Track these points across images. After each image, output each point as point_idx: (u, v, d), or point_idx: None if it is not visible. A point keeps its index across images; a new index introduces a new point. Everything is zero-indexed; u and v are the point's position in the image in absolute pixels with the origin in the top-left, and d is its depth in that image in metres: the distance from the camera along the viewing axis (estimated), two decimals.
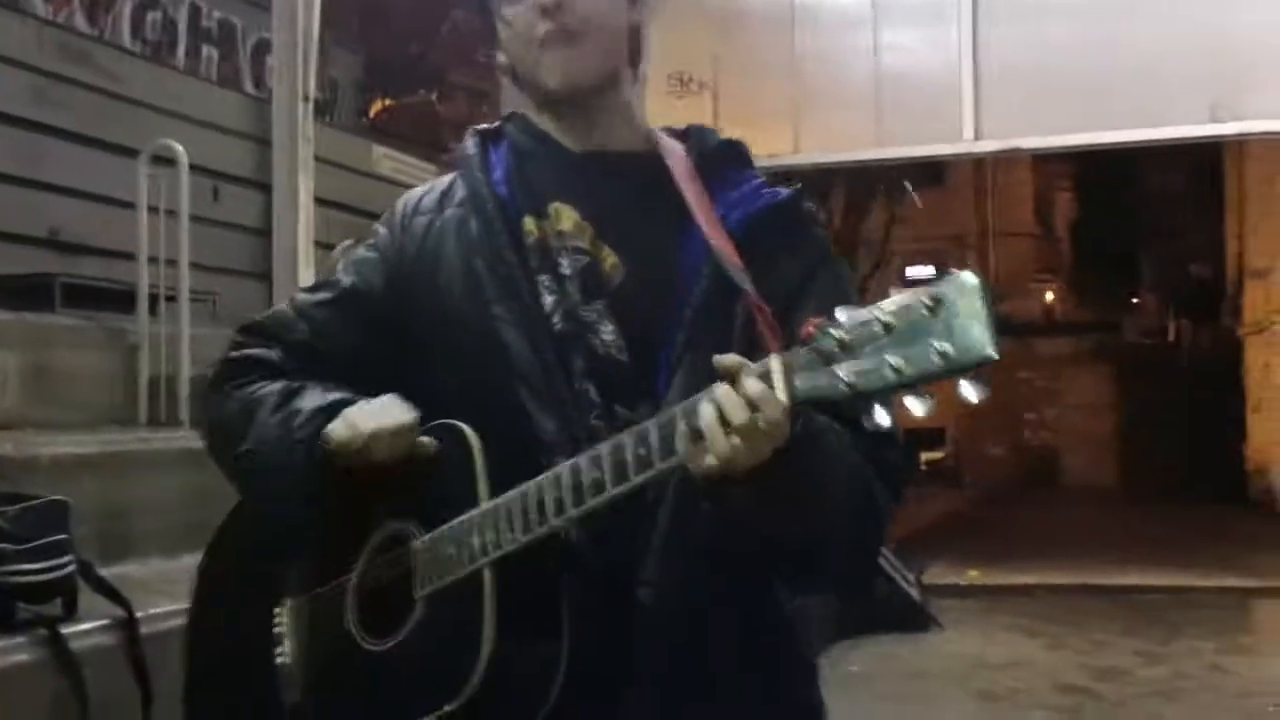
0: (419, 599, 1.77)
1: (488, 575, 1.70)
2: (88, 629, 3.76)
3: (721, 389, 1.54)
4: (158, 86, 8.94)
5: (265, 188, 9.53)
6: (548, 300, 1.84)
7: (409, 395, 1.84)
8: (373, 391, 1.85)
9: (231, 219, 9.17)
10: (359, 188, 10.76)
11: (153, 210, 6.64)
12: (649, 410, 1.70)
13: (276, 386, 1.90)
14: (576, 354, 1.82)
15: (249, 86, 11.90)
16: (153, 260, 6.65)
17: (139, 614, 3.87)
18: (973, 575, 10.73)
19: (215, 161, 8.71)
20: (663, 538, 1.75)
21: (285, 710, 1.92)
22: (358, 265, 1.99)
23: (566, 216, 1.87)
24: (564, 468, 1.66)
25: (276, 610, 1.96)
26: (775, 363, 1.52)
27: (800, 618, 1.93)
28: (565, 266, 1.85)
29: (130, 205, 6.81)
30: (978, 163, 8.81)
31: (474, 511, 1.73)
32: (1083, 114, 9.04)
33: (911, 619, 9.51)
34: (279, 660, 1.93)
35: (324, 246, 8.98)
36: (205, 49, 12.01)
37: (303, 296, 2.03)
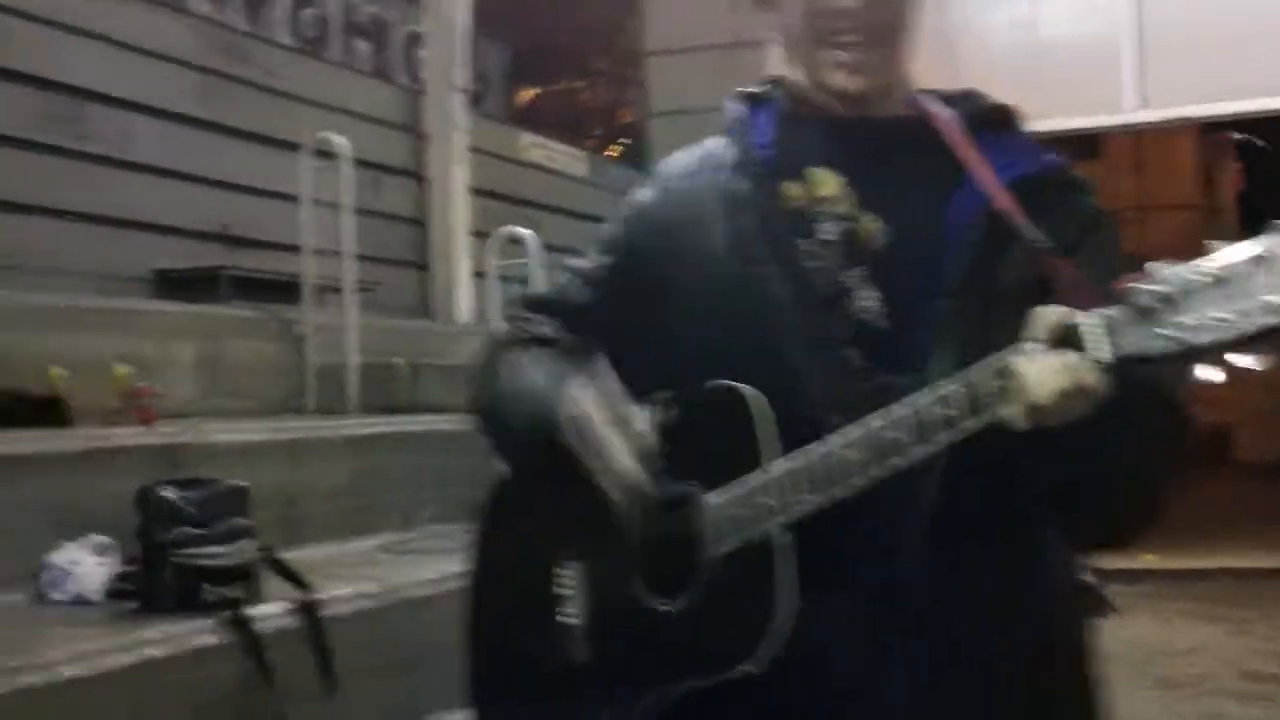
0: (707, 559, 1.77)
1: (781, 536, 1.70)
2: (271, 611, 3.85)
3: (1039, 352, 1.52)
4: (314, 81, 9.14)
5: (420, 178, 9.68)
6: (810, 265, 1.81)
7: (676, 353, 1.87)
8: (645, 356, 1.90)
9: (389, 210, 9.31)
10: (510, 175, 10.88)
11: (315, 202, 6.76)
12: (911, 375, 1.69)
13: (540, 356, 1.95)
14: (839, 319, 1.79)
15: (402, 79, 12.07)
16: (316, 251, 6.78)
17: (318, 596, 3.96)
18: (1149, 559, 10.48)
19: (372, 154, 8.83)
20: (932, 502, 1.72)
21: (573, 669, 1.93)
22: (629, 225, 2.00)
23: (828, 181, 1.85)
24: (857, 428, 1.65)
25: (558, 571, 1.97)
26: (1095, 319, 1.50)
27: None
28: (826, 231, 1.82)
29: (293, 198, 6.95)
30: (1138, 133, 8.60)
31: (762, 473, 1.72)
32: (1251, 79, 8.77)
33: (1087, 604, 9.32)
34: (564, 620, 1.94)
35: (479, 235, 9.10)
36: (359, 43, 12.22)
37: (581, 262, 2.06)
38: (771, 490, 1.70)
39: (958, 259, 1.78)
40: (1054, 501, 1.72)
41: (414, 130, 9.74)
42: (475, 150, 9.94)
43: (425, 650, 4.28)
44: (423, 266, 9.67)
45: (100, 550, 3.95)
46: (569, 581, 1.95)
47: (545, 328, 2.01)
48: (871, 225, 1.82)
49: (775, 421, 1.73)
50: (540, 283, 6.20)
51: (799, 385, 1.76)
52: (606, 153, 15.84)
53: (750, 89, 2.00)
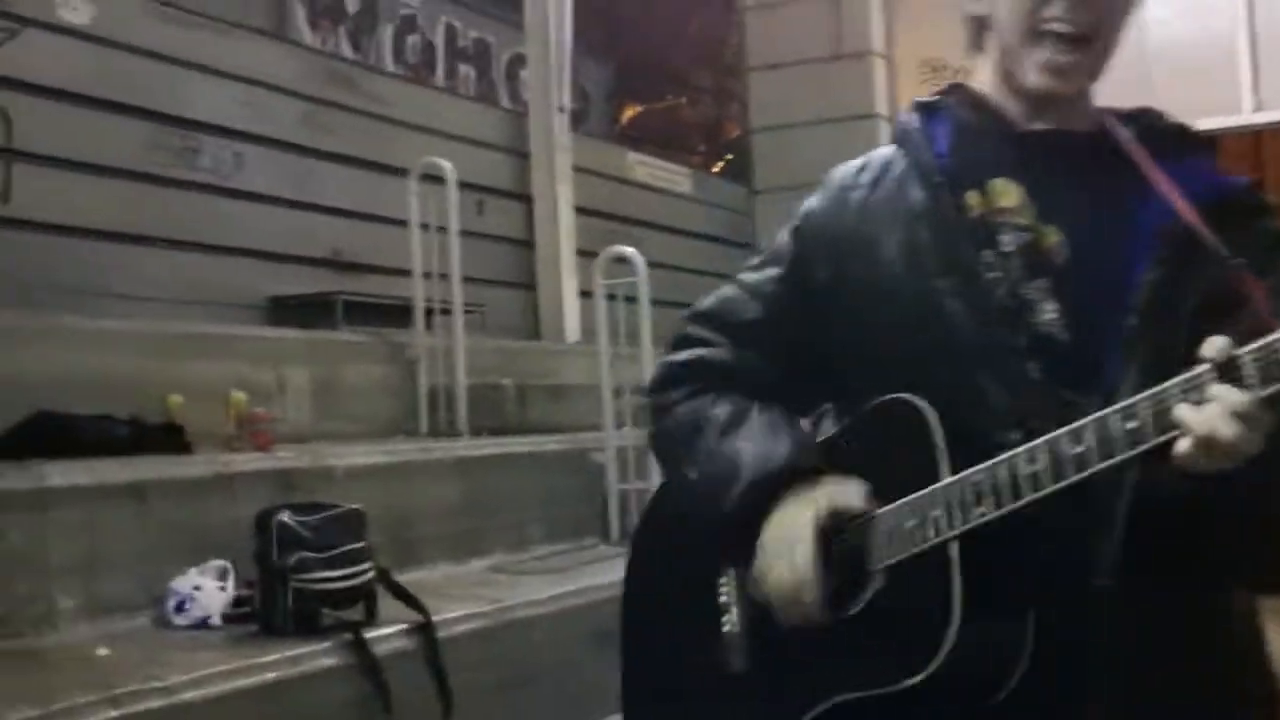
0: (877, 570, 1.76)
1: (954, 549, 1.67)
2: (388, 633, 3.89)
3: (1216, 386, 1.47)
4: (420, 106, 9.24)
5: (526, 199, 9.74)
6: (990, 276, 1.79)
7: (845, 366, 1.89)
8: (815, 374, 1.93)
9: (495, 231, 9.39)
10: (615, 194, 10.91)
11: (423, 226, 6.83)
12: (1094, 392, 1.67)
13: (724, 410, 1.94)
14: (1019, 332, 1.77)
15: (505, 101, 12.19)
16: (425, 274, 6.84)
17: (434, 618, 4.00)
18: None
19: (477, 176, 8.91)
20: (1124, 523, 1.68)
21: (731, 677, 1.93)
22: (800, 237, 1.98)
23: (1009, 192, 1.82)
24: (1039, 444, 1.61)
25: (721, 579, 1.96)
26: (1259, 351, 1.45)
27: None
28: (1006, 243, 1.80)
29: (400, 223, 7.02)
30: (1255, 134, 8.44)
31: (937, 485, 1.69)
32: None
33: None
34: (725, 629, 1.94)
35: (585, 254, 9.14)
36: (462, 67, 12.36)
37: (750, 275, 2.03)
38: (944, 503, 1.68)
39: (1146, 275, 1.74)
40: (1233, 535, 1.68)
41: (518, 151, 9.80)
42: (579, 169, 9.98)
43: (539, 669, 4.31)
44: (530, 287, 9.73)
45: (220, 575, 4.03)
46: (729, 589, 1.95)
47: (719, 349, 2.00)
48: (1053, 238, 1.80)
49: (950, 434, 1.71)
50: (646, 301, 6.20)
51: (978, 399, 1.75)
52: (711, 168, 15.83)
53: (925, 99, 1.98)
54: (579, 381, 7.45)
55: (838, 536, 1.80)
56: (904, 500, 1.73)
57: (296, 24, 10.43)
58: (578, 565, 5.29)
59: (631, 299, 6.23)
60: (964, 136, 1.89)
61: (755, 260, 2.05)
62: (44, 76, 6.45)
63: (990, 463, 1.64)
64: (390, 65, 11.30)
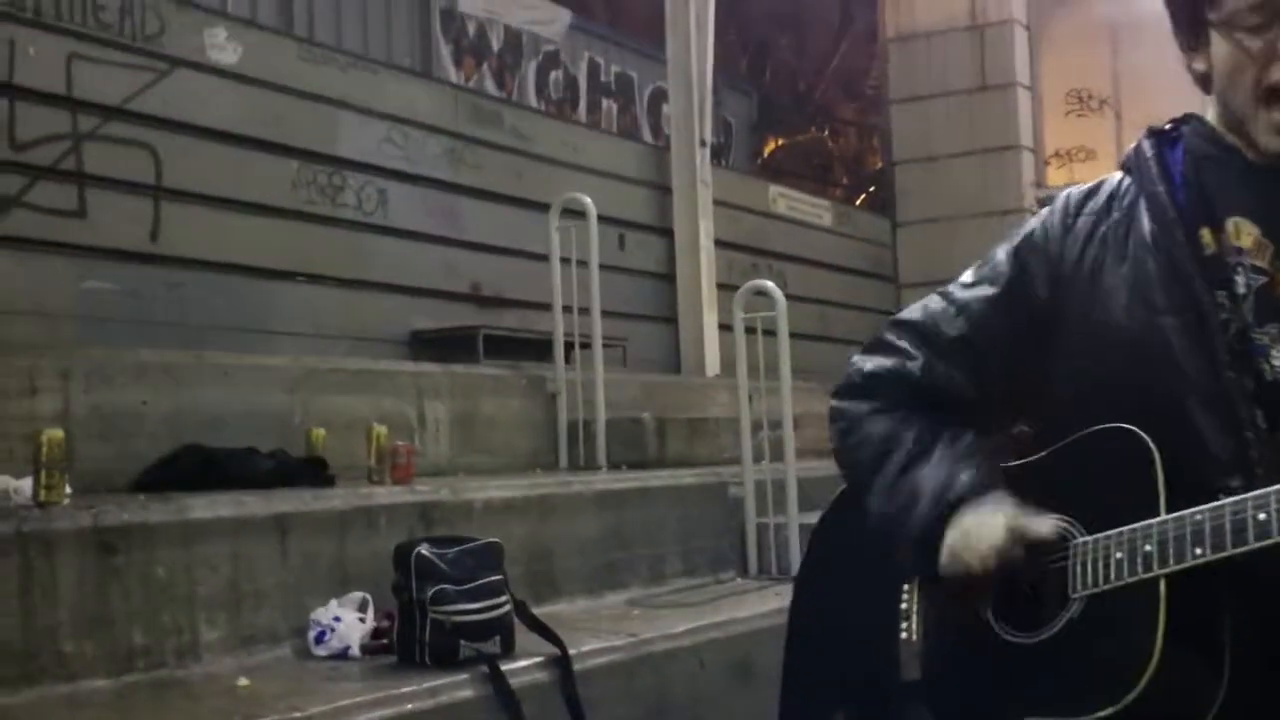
0: (1077, 597, 1.74)
1: (1163, 587, 1.64)
2: (525, 665, 3.88)
3: None
4: (562, 141, 9.30)
5: (667, 233, 9.75)
6: (1221, 318, 1.74)
7: (1048, 393, 1.88)
8: (1010, 394, 1.94)
9: (636, 265, 9.42)
10: (757, 227, 10.89)
11: (564, 261, 6.87)
12: None
13: (910, 436, 1.93)
14: (1246, 376, 1.72)
15: (647, 135, 12.24)
16: (565, 309, 6.87)
17: (571, 651, 3.98)
18: None
19: (619, 210, 8.96)
20: None
21: (901, 685, 1.93)
22: (1018, 257, 1.95)
23: (1246, 232, 1.77)
24: (1270, 492, 1.57)
25: (905, 586, 1.97)
26: None
27: None
28: (1240, 285, 1.75)
29: (541, 257, 7.07)
30: None
31: (1153, 520, 1.67)
32: None
33: None
34: (903, 636, 1.95)
35: (726, 288, 9.12)
36: (605, 102, 12.44)
37: (960, 291, 2.00)
38: (1159, 539, 1.65)
39: None
40: None
41: (660, 185, 9.82)
42: (720, 203, 9.97)
43: (675, 704, 4.28)
44: (670, 320, 9.73)
45: (360, 606, 4.05)
46: (911, 596, 1.96)
47: (913, 363, 1.98)
48: None
49: (1168, 471, 1.68)
50: (785, 335, 6.15)
51: (1197, 441, 1.72)
52: (853, 201, 15.75)
53: (1161, 125, 1.93)
54: (718, 415, 7.43)
55: (1031, 564, 1.78)
56: (1112, 531, 1.71)
57: (442, 62, 10.58)
58: (715, 599, 5.24)
59: (771, 332, 6.18)
60: (1200, 170, 1.84)
61: (968, 277, 2.01)
62: (193, 115, 6.61)
63: (1214, 505, 1.61)
64: (534, 101, 11.41)
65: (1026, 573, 1.77)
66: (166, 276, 6.42)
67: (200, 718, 3.19)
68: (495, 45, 11.28)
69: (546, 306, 6.94)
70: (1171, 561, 1.63)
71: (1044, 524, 1.77)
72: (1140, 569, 1.66)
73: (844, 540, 2.13)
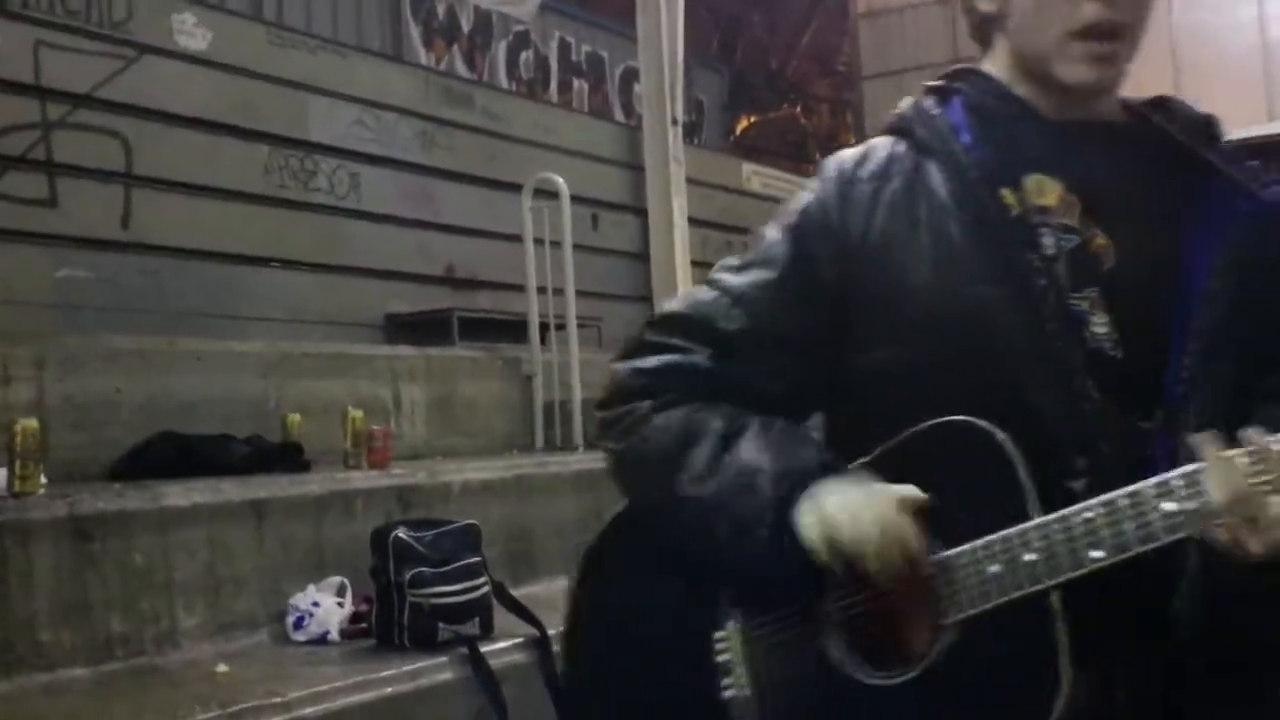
0: (948, 624, 1.51)
1: (1056, 601, 1.45)
2: (504, 647, 3.89)
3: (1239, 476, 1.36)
4: (534, 122, 9.29)
5: (640, 212, 9.74)
6: (1039, 283, 1.58)
7: (850, 381, 1.68)
8: (809, 386, 1.72)
9: (610, 245, 9.42)
10: (730, 205, 10.88)
11: (537, 242, 6.86)
12: (1156, 413, 1.54)
13: (716, 421, 1.68)
14: (1074, 346, 1.57)
15: (619, 115, 12.21)
16: (540, 290, 6.87)
17: (550, 632, 3.99)
18: None
19: (591, 190, 8.95)
20: (1197, 567, 1.49)
21: None
22: (795, 237, 1.74)
23: (1049, 190, 1.63)
24: (1176, 476, 1.41)
25: (717, 635, 1.71)
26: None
27: None
28: (1049, 246, 1.60)
29: (515, 238, 7.06)
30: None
31: (1028, 524, 1.47)
32: None
33: None
34: (729, 693, 1.69)
35: (700, 265, 9.11)
36: (576, 82, 12.41)
37: (733, 278, 1.77)
38: (1042, 546, 1.45)
39: (1202, 287, 1.57)
40: None
41: (632, 165, 9.81)
42: (693, 181, 9.96)
43: None
44: (645, 300, 9.72)
45: (338, 591, 4.06)
46: (730, 645, 1.71)
47: (696, 356, 1.74)
48: (1101, 242, 1.62)
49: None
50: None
51: (1033, 420, 1.54)
52: None
53: (935, 82, 1.79)
54: None
55: (878, 590, 1.57)
56: (978, 542, 1.50)
57: (412, 44, 10.54)
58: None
59: None
60: (988, 126, 1.70)
61: (735, 261, 1.79)
62: (162, 102, 6.57)
63: (1105, 499, 1.44)
64: (505, 82, 11.37)
65: (921, 564, 1.54)
66: (139, 264, 6.39)
67: (180, 704, 3.18)
68: (465, 26, 11.23)
69: (521, 288, 6.94)
70: (1066, 569, 1.44)
71: (920, 492, 1.55)
72: (1026, 582, 1.46)
73: (613, 594, 1.87)
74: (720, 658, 1.70)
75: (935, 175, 1.67)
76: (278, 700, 3.27)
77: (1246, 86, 8.80)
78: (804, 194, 1.78)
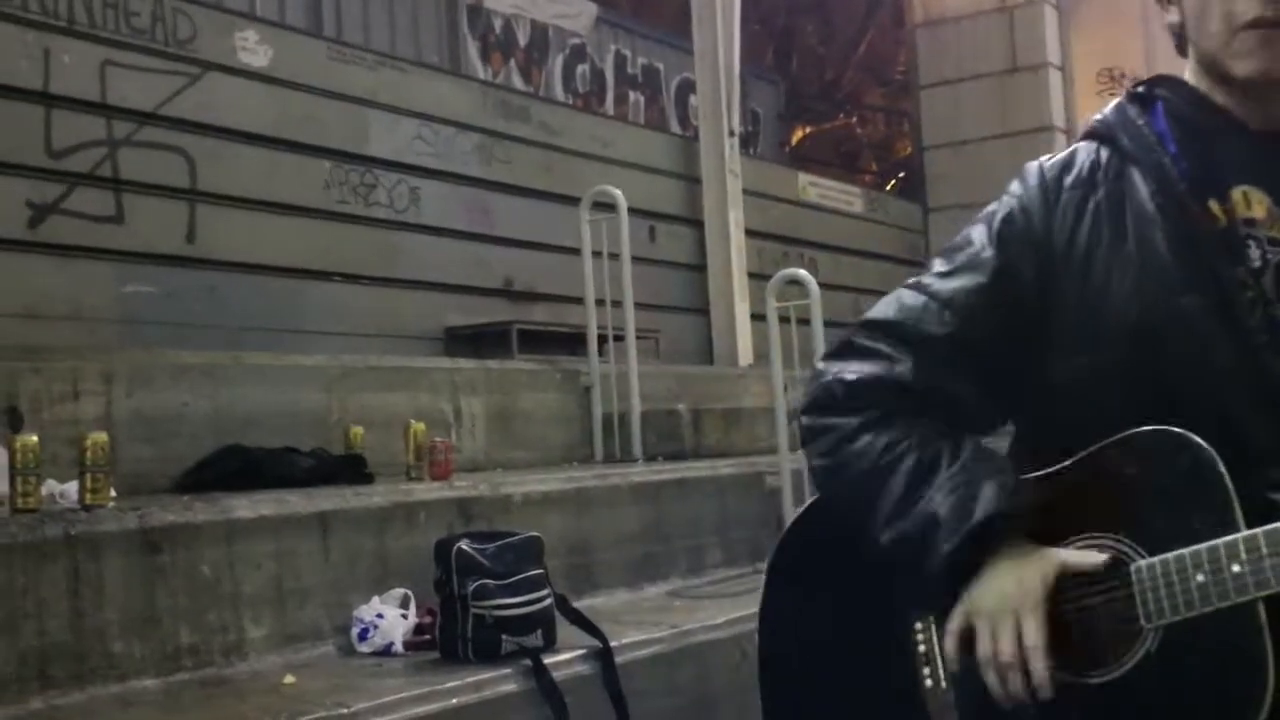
0: (1151, 628, 1.55)
1: (1263, 612, 1.47)
2: (567, 658, 3.90)
3: None
4: (591, 134, 9.34)
5: (697, 223, 9.76)
6: (1246, 297, 1.60)
7: (1046, 388, 1.71)
8: (1005, 393, 1.76)
9: (667, 257, 9.45)
10: (786, 216, 10.89)
11: (595, 254, 6.89)
12: None
13: (909, 458, 1.71)
14: (1276, 359, 1.58)
15: (675, 126, 12.24)
16: (598, 302, 6.90)
17: (613, 643, 4.00)
18: None
19: (648, 202, 8.97)
20: None
21: None
22: (1002, 241, 1.75)
23: (1257, 202, 1.64)
24: None
25: (917, 626, 1.76)
26: None
27: None
28: (1255, 259, 1.61)
29: (573, 251, 7.08)
30: None
31: (1235, 537, 1.48)
32: None
33: None
34: (927, 684, 1.73)
35: (757, 277, 9.13)
36: (632, 95, 12.44)
37: (941, 284, 1.78)
38: (1248, 557, 1.47)
39: None
40: None
41: (689, 176, 9.83)
42: (750, 192, 9.98)
43: (717, 694, 4.29)
44: (703, 311, 9.74)
45: (402, 602, 4.09)
46: (928, 638, 1.75)
47: (900, 366, 1.76)
48: None
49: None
50: (819, 323, 6.14)
51: (1239, 432, 1.56)
52: (883, 187, 15.72)
53: (1138, 90, 1.80)
54: (753, 405, 7.44)
55: (1076, 594, 1.62)
56: (1184, 551, 1.52)
57: (469, 58, 10.61)
58: (755, 589, 5.19)
59: (805, 321, 6.18)
60: (1190, 137, 1.70)
61: (942, 266, 1.80)
62: (225, 118, 6.66)
63: None
64: (561, 95, 11.43)
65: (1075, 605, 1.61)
66: (203, 279, 6.48)
67: (248, 715, 3.22)
68: (522, 40, 11.29)
69: (579, 300, 6.96)
70: (1274, 583, 1.46)
71: (1096, 559, 1.60)
72: (1233, 593, 1.48)
73: (821, 572, 1.92)
74: (920, 649, 1.75)
75: (1141, 185, 1.69)
76: (344, 711, 3.29)
77: None
78: (1006, 198, 1.80)
